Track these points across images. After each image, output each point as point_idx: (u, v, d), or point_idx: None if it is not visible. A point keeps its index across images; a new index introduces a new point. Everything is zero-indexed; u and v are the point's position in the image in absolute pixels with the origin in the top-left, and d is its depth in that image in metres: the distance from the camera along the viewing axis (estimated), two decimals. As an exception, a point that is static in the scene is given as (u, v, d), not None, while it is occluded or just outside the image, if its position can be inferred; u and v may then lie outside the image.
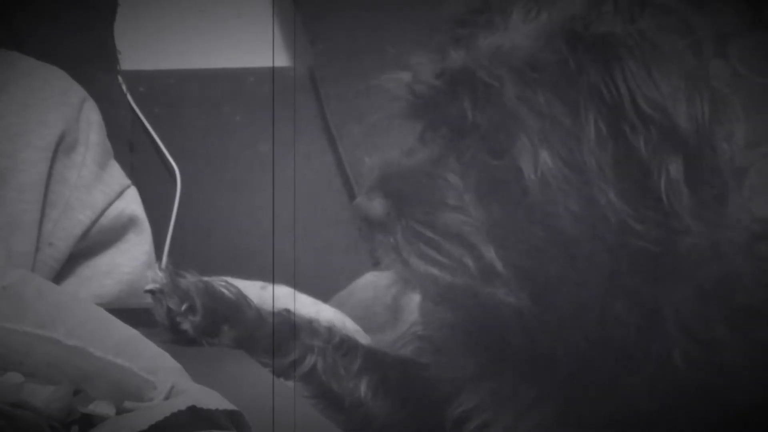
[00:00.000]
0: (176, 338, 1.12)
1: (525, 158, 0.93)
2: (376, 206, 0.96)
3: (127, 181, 1.44)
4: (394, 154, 1.00)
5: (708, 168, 0.93)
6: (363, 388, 1.13)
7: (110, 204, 1.40)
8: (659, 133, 0.91)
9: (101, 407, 0.80)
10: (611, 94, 0.92)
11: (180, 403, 0.80)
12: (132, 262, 1.41)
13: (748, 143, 1.01)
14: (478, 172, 0.96)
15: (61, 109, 1.38)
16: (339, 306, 1.57)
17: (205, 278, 1.15)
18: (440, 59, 0.99)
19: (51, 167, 1.36)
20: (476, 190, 0.96)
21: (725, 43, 1.88)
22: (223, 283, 1.14)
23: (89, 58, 1.73)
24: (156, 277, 1.13)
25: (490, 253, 0.95)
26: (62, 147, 1.37)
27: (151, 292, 1.13)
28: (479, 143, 0.96)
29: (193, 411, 0.81)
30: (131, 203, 1.43)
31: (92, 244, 1.38)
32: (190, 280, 1.13)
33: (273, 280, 1.51)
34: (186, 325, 1.12)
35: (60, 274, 1.36)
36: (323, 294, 1.62)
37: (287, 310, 1.15)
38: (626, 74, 0.92)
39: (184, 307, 1.12)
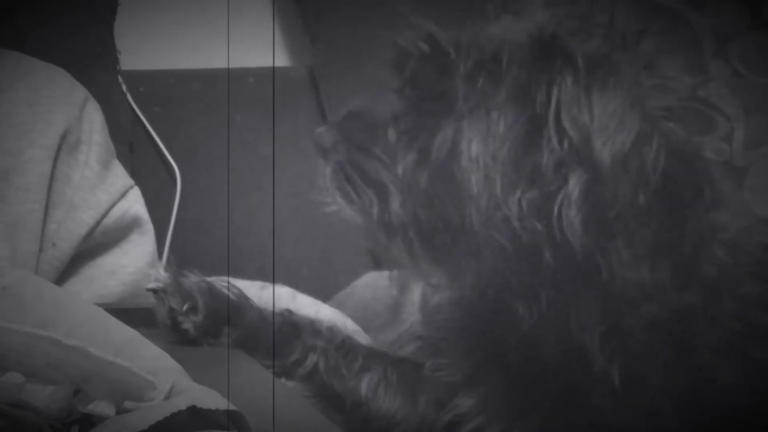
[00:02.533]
0: (177, 338, 1.12)
1: (453, 134, 0.98)
2: (327, 136, 1.03)
3: (131, 181, 1.44)
4: (376, 101, 1.06)
5: (613, 194, 0.94)
6: (364, 388, 1.13)
7: (114, 204, 1.40)
8: (570, 150, 0.94)
9: (101, 407, 0.80)
10: (542, 102, 0.96)
11: (180, 403, 0.80)
12: (135, 262, 1.41)
13: (748, 143, 1.01)
14: (423, 138, 1.00)
15: (64, 108, 1.38)
16: (339, 306, 1.57)
17: (208, 279, 1.14)
18: (438, 28, 1.03)
19: (54, 167, 1.36)
20: (415, 154, 1.00)
21: (725, 43, 1.88)
22: (225, 284, 1.14)
23: (89, 58, 1.73)
24: (158, 276, 1.13)
25: (394, 207, 1.00)
26: (65, 146, 1.37)
27: (153, 290, 1.13)
28: (430, 111, 1.01)
29: (193, 411, 0.81)
30: (135, 203, 1.43)
31: (96, 244, 1.38)
32: (192, 279, 1.13)
33: (273, 281, 1.51)
34: (187, 325, 1.12)
35: (63, 275, 1.36)
36: (323, 294, 1.62)
37: (288, 311, 1.15)
38: (562, 90, 0.95)
39: (185, 307, 1.12)
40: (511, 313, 1.00)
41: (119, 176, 1.42)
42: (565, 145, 0.94)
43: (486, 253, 0.98)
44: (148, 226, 1.44)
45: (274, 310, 1.15)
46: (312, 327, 1.14)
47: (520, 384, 1.02)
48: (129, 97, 1.80)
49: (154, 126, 1.82)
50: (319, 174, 1.04)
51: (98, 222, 1.38)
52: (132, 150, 1.77)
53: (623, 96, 0.96)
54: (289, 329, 1.13)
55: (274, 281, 1.51)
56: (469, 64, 0.98)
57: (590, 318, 0.99)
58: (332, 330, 1.15)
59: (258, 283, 1.51)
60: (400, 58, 1.04)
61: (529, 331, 1.00)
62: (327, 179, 1.03)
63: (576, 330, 0.99)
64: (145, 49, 1.87)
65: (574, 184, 0.94)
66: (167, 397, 0.82)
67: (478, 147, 0.97)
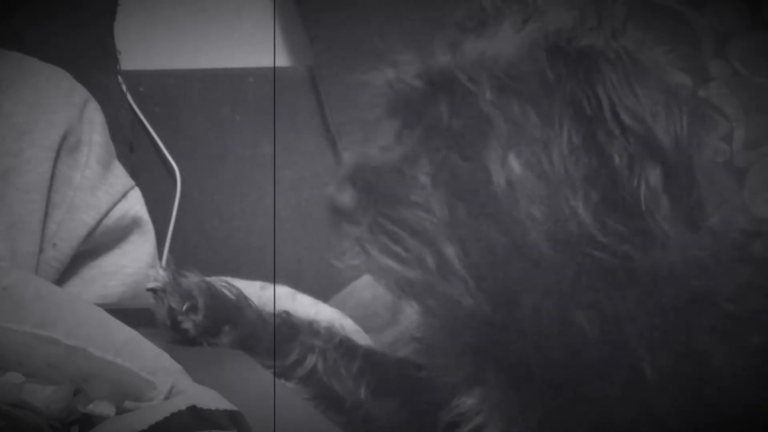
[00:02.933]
0: (177, 337, 1.12)
1: (494, 163, 0.95)
2: (346, 197, 0.98)
3: (131, 182, 1.44)
4: (372, 149, 1.02)
5: (686, 179, 0.94)
6: (363, 388, 1.13)
7: (114, 205, 1.39)
8: (638, 144, 0.93)
9: (101, 407, 0.81)
10: (591, 105, 0.94)
11: (180, 403, 0.80)
12: (136, 263, 1.41)
13: (748, 143, 1.01)
14: (448, 173, 0.98)
15: (65, 109, 1.38)
16: (339, 306, 1.57)
17: (207, 278, 1.15)
18: (425, 59, 1.00)
19: (54, 167, 1.35)
20: (445, 191, 0.97)
21: (725, 43, 1.88)
22: (225, 284, 1.15)
23: (89, 58, 1.73)
24: (158, 275, 1.13)
25: (449, 252, 0.96)
26: (65, 147, 1.36)
27: (153, 290, 1.13)
28: (451, 145, 0.97)
29: (193, 411, 0.81)
30: (135, 204, 1.42)
31: (96, 245, 1.38)
32: (192, 279, 1.13)
33: (274, 281, 1.51)
34: (187, 324, 1.12)
35: (64, 275, 1.36)
36: (323, 294, 1.62)
37: (286, 312, 1.16)
38: (607, 86, 0.93)
39: (185, 306, 1.12)
40: (575, 329, 0.97)
41: (120, 177, 1.42)
42: (631, 139, 0.93)
43: (550, 273, 0.95)
44: (149, 227, 1.44)
45: (275, 311, 1.15)
46: (310, 328, 1.14)
47: (520, 384, 1.02)
48: (129, 97, 1.80)
49: (154, 126, 1.82)
50: (341, 237, 1.00)
51: (98, 222, 1.37)
52: (132, 150, 1.77)
53: (658, 82, 0.95)
54: (287, 330, 1.13)
55: (275, 281, 1.51)
56: (487, 89, 0.95)
57: (631, 310, 0.98)
58: (330, 330, 1.15)
59: (258, 283, 1.51)
60: (398, 101, 1.01)
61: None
62: (364, 243, 0.98)
63: (625, 325, 0.97)
64: (145, 49, 1.87)
65: (655, 178, 0.93)
66: (167, 397, 0.82)
67: (528, 168, 0.94)
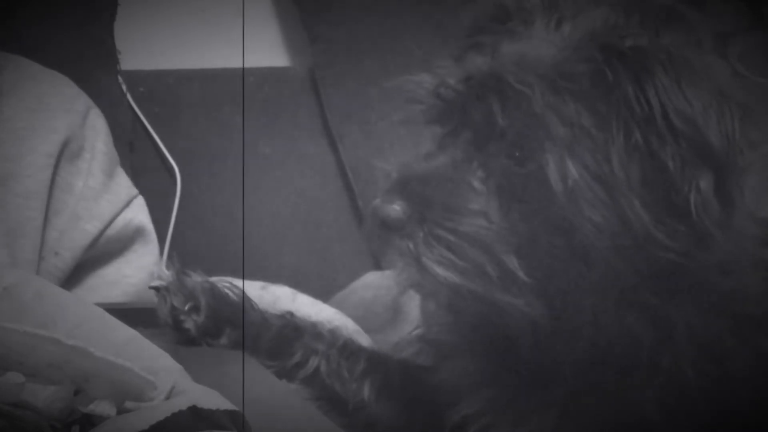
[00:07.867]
0: (178, 337, 1.12)
1: (551, 167, 0.93)
2: (396, 209, 0.95)
3: (135, 191, 1.43)
4: (411, 158, 0.99)
5: (736, 183, 0.93)
6: (366, 390, 1.13)
7: (117, 214, 1.39)
8: (689, 148, 0.91)
9: (102, 407, 0.81)
10: (642, 107, 0.92)
11: (181, 403, 0.80)
12: (138, 272, 1.40)
13: (748, 143, 1.01)
14: (501, 178, 0.95)
15: (66, 116, 1.38)
16: (339, 306, 1.57)
17: (211, 279, 1.14)
18: (462, 64, 0.98)
19: (54, 174, 1.35)
20: (498, 197, 0.95)
21: (725, 43, 1.88)
22: (228, 285, 1.14)
23: (89, 58, 1.73)
24: (161, 274, 1.13)
25: (512, 262, 0.94)
26: (66, 154, 1.36)
27: (156, 288, 1.13)
28: (504, 149, 0.95)
29: (194, 411, 0.81)
30: (138, 213, 1.42)
31: (99, 254, 1.38)
32: (195, 279, 1.13)
33: (243, 276, 1.51)
34: (189, 324, 1.12)
35: (66, 284, 1.36)
36: (323, 294, 1.62)
37: (290, 313, 1.15)
38: (658, 88, 0.91)
39: (188, 306, 1.11)
40: (626, 331, 0.96)
41: (123, 185, 1.42)
42: (683, 143, 0.91)
43: (610, 277, 0.94)
44: (152, 236, 1.44)
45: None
46: (314, 330, 1.14)
47: (544, 386, 1.01)
48: (129, 97, 1.80)
49: (154, 126, 1.82)
50: (396, 254, 0.95)
51: (102, 232, 1.37)
52: (132, 150, 1.77)
53: (708, 82, 0.93)
54: (291, 332, 1.13)
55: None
56: (538, 89, 0.93)
57: (684, 313, 0.96)
58: (334, 333, 1.15)
59: (258, 283, 1.51)
60: (441, 107, 0.98)
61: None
62: (419, 256, 0.94)
63: (677, 328, 0.96)
64: (145, 49, 1.87)
65: (706, 184, 0.91)
66: (168, 397, 0.82)
67: (587, 171, 0.92)
